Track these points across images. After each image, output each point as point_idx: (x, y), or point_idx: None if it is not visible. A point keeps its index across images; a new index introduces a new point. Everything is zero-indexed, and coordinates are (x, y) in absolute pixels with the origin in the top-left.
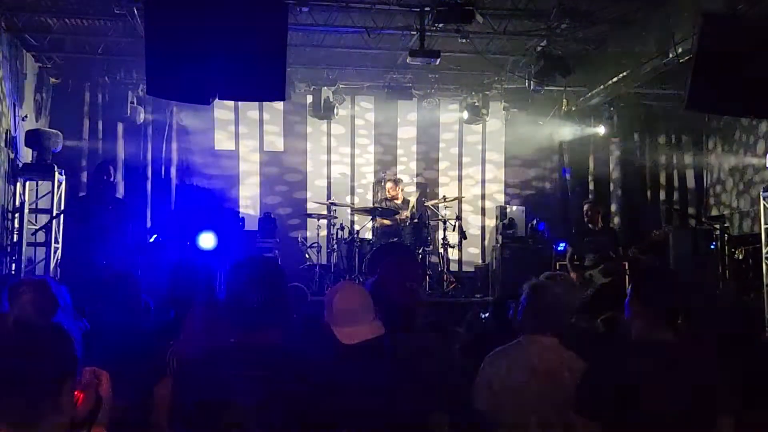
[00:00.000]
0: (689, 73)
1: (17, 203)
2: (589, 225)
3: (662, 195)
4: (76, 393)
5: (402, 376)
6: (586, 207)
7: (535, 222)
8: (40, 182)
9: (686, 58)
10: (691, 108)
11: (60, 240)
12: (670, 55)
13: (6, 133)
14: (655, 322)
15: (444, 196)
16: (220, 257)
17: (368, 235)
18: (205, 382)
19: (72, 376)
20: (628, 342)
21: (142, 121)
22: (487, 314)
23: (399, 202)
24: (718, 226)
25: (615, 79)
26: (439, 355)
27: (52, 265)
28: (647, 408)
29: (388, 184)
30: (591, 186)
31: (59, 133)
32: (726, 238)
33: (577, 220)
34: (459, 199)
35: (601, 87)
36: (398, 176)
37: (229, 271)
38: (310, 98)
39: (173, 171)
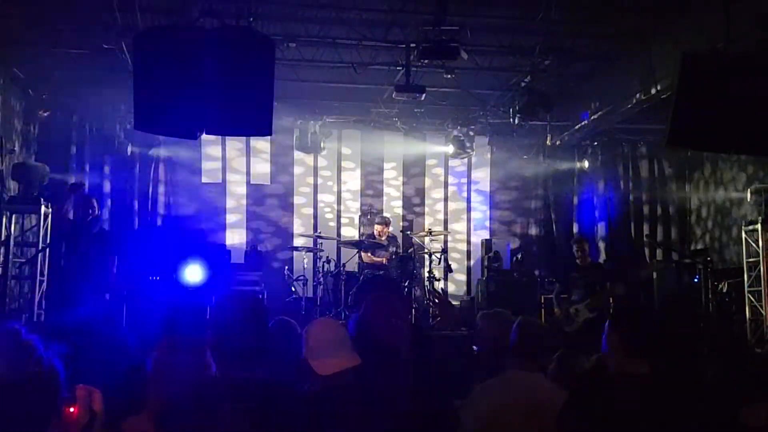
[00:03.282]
0: (670, 110)
1: (3, 236)
2: (577, 261)
3: (646, 229)
4: (73, 410)
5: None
6: (574, 244)
7: (519, 256)
8: (26, 215)
9: (667, 94)
10: (672, 144)
11: (45, 273)
12: (652, 92)
13: None
14: (633, 355)
15: (429, 229)
16: (207, 292)
17: (354, 269)
18: (190, 417)
19: (57, 410)
20: (606, 375)
21: (129, 154)
22: (478, 348)
23: (385, 239)
24: (700, 260)
25: (598, 115)
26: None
27: (36, 298)
28: None
29: (376, 227)
30: (574, 220)
31: (46, 166)
32: (709, 271)
33: (565, 256)
34: (445, 235)
35: (585, 122)
36: (384, 212)
37: (214, 307)
38: (296, 132)
39: (160, 204)
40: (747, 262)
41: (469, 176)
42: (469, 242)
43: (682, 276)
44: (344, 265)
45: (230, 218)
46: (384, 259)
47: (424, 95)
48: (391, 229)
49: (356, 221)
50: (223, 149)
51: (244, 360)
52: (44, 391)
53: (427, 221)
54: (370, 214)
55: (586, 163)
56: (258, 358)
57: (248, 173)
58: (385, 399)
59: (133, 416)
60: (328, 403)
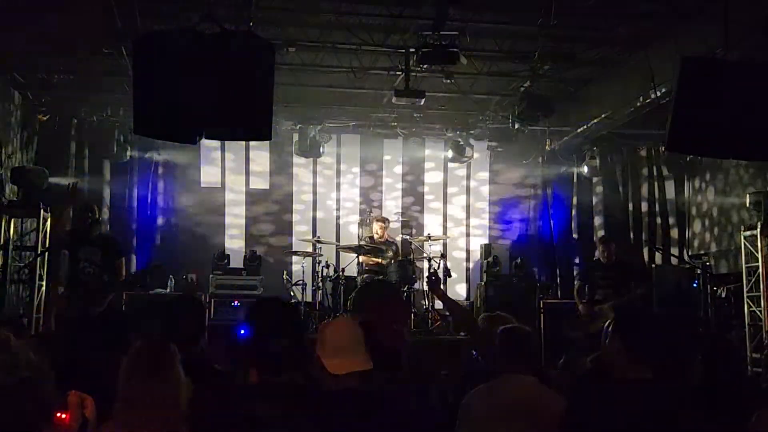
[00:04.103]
0: (669, 115)
1: (2, 240)
2: (603, 260)
3: (645, 234)
4: (65, 416)
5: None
6: (600, 245)
7: (519, 260)
8: (25, 219)
9: (667, 99)
10: (671, 149)
11: (44, 278)
12: (652, 96)
13: None
14: (636, 360)
15: (429, 234)
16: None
17: (353, 273)
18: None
19: (48, 416)
20: (610, 379)
21: (128, 158)
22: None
23: (384, 241)
24: (699, 265)
25: (597, 119)
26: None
27: (35, 302)
28: None
29: (375, 225)
30: (573, 224)
31: (45, 170)
32: (708, 276)
33: (564, 260)
34: (444, 239)
35: (584, 127)
36: (384, 216)
37: (250, 312)
38: (296, 136)
39: (159, 207)
40: (746, 267)
41: (468, 180)
42: (468, 247)
43: (681, 281)
44: (343, 269)
45: (229, 222)
46: (382, 259)
47: (423, 100)
48: (388, 232)
49: (355, 225)
50: (222, 153)
51: (283, 364)
52: (35, 397)
53: (427, 225)
54: (369, 219)
55: (586, 168)
56: (297, 363)
57: (247, 177)
58: (387, 402)
59: (102, 424)
60: (339, 404)
